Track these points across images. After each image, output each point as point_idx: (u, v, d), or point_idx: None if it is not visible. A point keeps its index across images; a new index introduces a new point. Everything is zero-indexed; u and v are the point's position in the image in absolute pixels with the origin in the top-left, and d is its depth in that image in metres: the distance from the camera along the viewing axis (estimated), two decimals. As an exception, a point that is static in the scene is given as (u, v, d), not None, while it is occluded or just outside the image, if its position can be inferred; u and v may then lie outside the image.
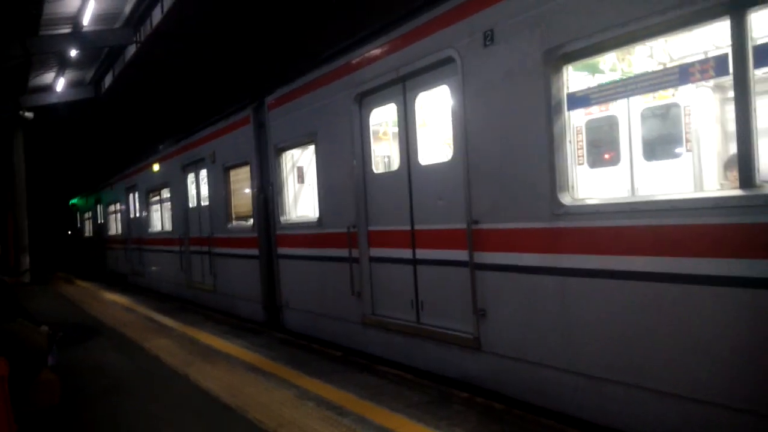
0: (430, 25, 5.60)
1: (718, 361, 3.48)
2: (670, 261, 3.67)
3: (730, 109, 5.96)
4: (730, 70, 3.43)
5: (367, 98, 6.66)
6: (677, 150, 6.37)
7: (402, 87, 6.11)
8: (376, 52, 6.42)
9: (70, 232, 32.61)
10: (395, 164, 6.57)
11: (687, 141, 6.29)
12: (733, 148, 5.98)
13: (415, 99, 6.01)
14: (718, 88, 6.01)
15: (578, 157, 6.65)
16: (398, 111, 6.24)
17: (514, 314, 4.83)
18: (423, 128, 6.26)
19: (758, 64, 3.31)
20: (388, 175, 6.61)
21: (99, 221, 23.50)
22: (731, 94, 5.53)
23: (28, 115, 20.80)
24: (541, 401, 4.67)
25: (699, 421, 3.62)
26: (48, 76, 21.44)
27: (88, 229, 26.46)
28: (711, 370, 3.51)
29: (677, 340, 3.67)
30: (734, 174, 4.54)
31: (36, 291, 16.62)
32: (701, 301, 3.54)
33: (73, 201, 30.28)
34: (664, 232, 3.70)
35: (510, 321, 4.89)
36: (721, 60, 3.57)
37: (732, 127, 6.08)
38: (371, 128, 6.78)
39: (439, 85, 5.70)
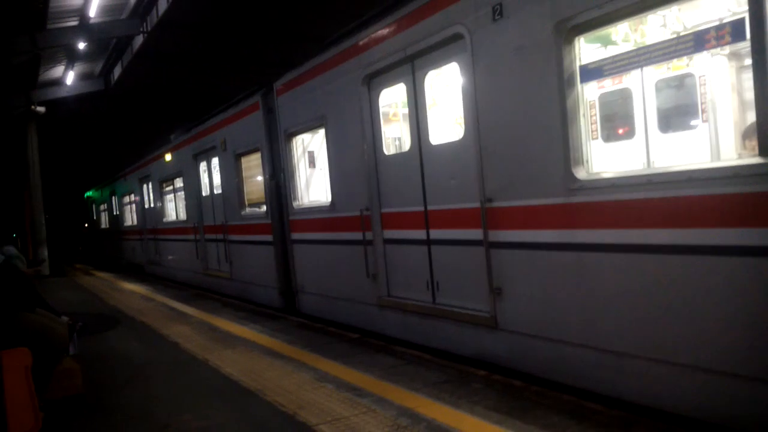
0: (438, 1, 5.52)
1: (739, 332, 3.44)
2: (689, 232, 3.61)
3: (747, 77, 5.86)
4: (747, 35, 3.34)
5: (376, 79, 6.61)
6: (693, 121, 6.26)
7: (411, 66, 6.05)
8: (383, 32, 6.35)
9: (86, 225, 32.96)
10: (406, 145, 6.53)
11: (703, 111, 6.18)
12: (751, 118, 5.87)
13: (424, 78, 5.95)
14: (734, 56, 5.88)
15: (592, 131, 6.56)
16: (407, 91, 6.19)
17: (531, 292, 4.81)
18: (433, 107, 6.21)
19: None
20: (399, 156, 6.57)
21: (114, 212, 23.72)
22: (748, 61, 5.41)
23: (40, 109, 20.93)
24: (560, 377, 4.66)
25: (719, 393, 3.58)
26: (57, 70, 21.51)
27: (104, 221, 26.73)
28: (732, 340, 3.47)
29: (697, 312, 3.63)
30: (753, 143, 4.46)
31: (55, 283, 16.84)
32: (721, 272, 3.49)
33: (88, 193, 30.56)
34: (681, 203, 3.64)
35: (526, 298, 4.87)
36: (737, 25, 3.48)
37: (749, 95, 5.97)
38: (381, 109, 6.73)
39: (448, 62, 5.64)
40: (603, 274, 4.21)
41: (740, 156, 5.50)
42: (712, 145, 6.04)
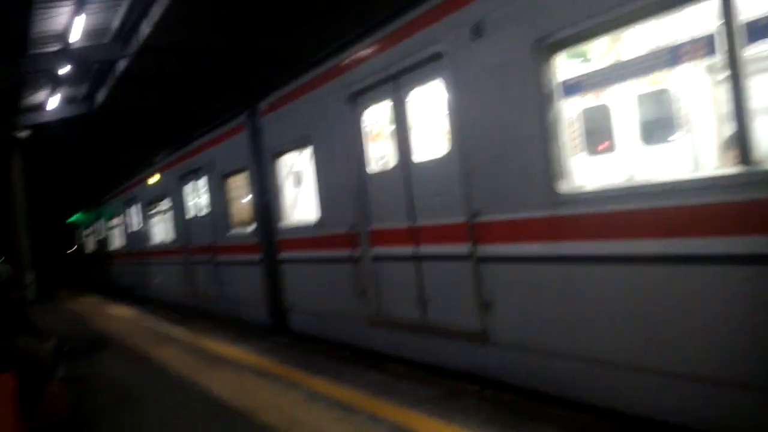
0: (418, 21, 5.62)
1: (723, 340, 3.49)
2: (672, 242, 3.68)
3: (725, 90, 6.00)
4: (718, 48, 3.44)
5: (360, 98, 6.68)
6: (674, 134, 6.39)
7: (394, 84, 6.12)
8: (366, 51, 6.44)
9: (73, 248, 32.63)
10: (392, 162, 6.58)
11: (683, 124, 6.31)
12: (729, 130, 6.00)
13: (407, 96, 6.03)
14: (711, 69, 6.02)
15: (575, 146, 6.66)
16: (391, 109, 6.26)
17: (520, 304, 4.85)
18: (417, 124, 6.27)
19: (749, 41, 3.32)
20: (385, 174, 6.62)
21: (101, 236, 23.52)
22: (723, 75, 5.55)
23: (23, 134, 20.80)
24: (551, 390, 4.68)
25: (709, 401, 3.63)
26: (41, 95, 21.45)
27: (92, 245, 26.48)
28: (717, 348, 3.53)
29: (683, 321, 3.68)
30: (732, 153, 4.56)
31: (42, 307, 16.62)
32: (706, 281, 3.55)
33: (74, 217, 30.29)
34: (664, 213, 3.71)
35: (516, 311, 4.90)
36: (709, 40, 3.59)
37: (727, 107, 6.11)
38: (366, 128, 6.79)
39: (431, 80, 5.72)
40: (588, 284, 4.26)
41: (720, 166, 5.62)
42: (694, 156, 6.16)
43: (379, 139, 7.61)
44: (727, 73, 3.40)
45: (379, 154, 7.53)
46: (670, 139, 6.39)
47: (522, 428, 4.14)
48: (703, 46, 3.65)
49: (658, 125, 6.50)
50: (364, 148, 6.75)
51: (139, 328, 10.78)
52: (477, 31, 4.89)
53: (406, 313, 6.27)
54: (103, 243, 23.13)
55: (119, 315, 13.48)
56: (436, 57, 5.43)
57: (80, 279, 28.70)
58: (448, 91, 5.37)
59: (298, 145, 8.15)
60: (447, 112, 5.45)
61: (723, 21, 3.37)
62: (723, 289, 3.47)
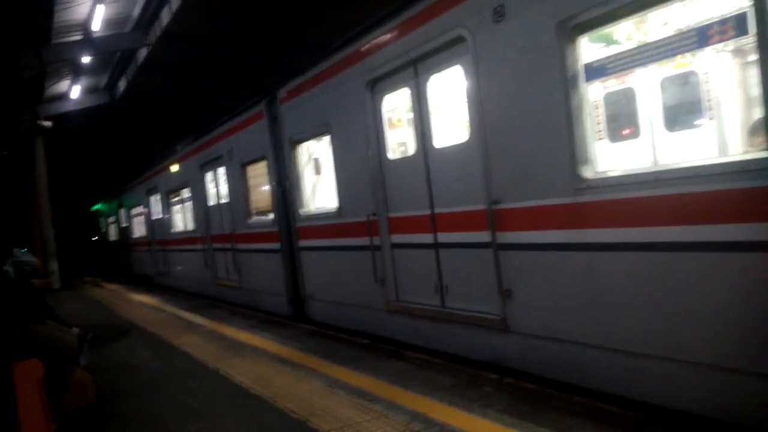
0: (439, 5, 5.54)
1: (753, 329, 3.41)
2: (698, 229, 3.59)
3: (753, 73, 5.83)
4: (751, 29, 3.33)
5: (379, 84, 6.62)
6: (699, 119, 6.24)
7: (414, 70, 6.06)
8: (386, 36, 6.37)
9: (95, 237, 33.11)
10: (411, 149, 6.53)
11: (708, 109, 6.16)
12: (757, 114, 5.83)
13: (427, 81, 5.96)
14: (739, 52, 5.86)
15: (598, 131, 6.54)
16: (411, 95, 6.20)
17: (541, 292, 4.79)
18: (437, 110, 6.21)
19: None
20: (404, 161, 6.58)
21: (122, 224, 23.82)
22: (752, 57, 5.38)
23: (47, 123, 21.07)
24: (572, 379, 4.63)
25: (737, 392, 3.55)
26: (63, 84, 21.66)
27: (113, 233, 26.84)
28: (746, 339, 3.44)
29: (709, 310, 3.60)
30: (760, 139, 4.44)
31: (65, 295, 16.92)
32: (732, 268, 3.46)
33: (97, 206, 30.71)
34: (689, 200, 3.62)
35: (537, 299, 4.85)
36: (740, 19, 3.47)
37: (755, 91, 5.94)
38: (385, 114, 6.74)
39: (451, 65, 5.64)
40: (612, 273, 4.19)
41: (747, 152, 5.47)
42: (719, 142, 6.01)
43: (399, 125, 7.55)
44: (758, 55, 3.29)
45: (399, 140, 7.48)
46: (695, 123, 6.24)
47: (542, 417, 4.11)
48: (734, 26, 3.53)
49: (684, 109, 6.34)
50: (384, 134, 6.71)
51: (161, 316, 10.91)
52: (500, 13, 4.80)
53: (425, 301, 6.25)
54: (124, 231, 23.43)
55: (141, 302, 13.66)
56: (458, 41, 5.35)
57: (103, 267, 29.14)
58: (470, 76, 5.29)
59: (317, 132, 8.13)
60: (468, 97, 5.37)
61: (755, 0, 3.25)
62: (753, 278, 3.37)
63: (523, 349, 5.06)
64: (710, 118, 6.15)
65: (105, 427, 4.93)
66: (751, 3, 3.27)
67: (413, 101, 6.18)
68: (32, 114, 20.76)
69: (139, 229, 20.89)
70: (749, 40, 3.39)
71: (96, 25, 16.23)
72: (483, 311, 5.45)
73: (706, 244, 3.57)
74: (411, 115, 6.45)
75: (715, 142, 6.01)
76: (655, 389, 4.01)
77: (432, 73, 5.91)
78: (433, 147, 5.96)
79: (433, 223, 6.02)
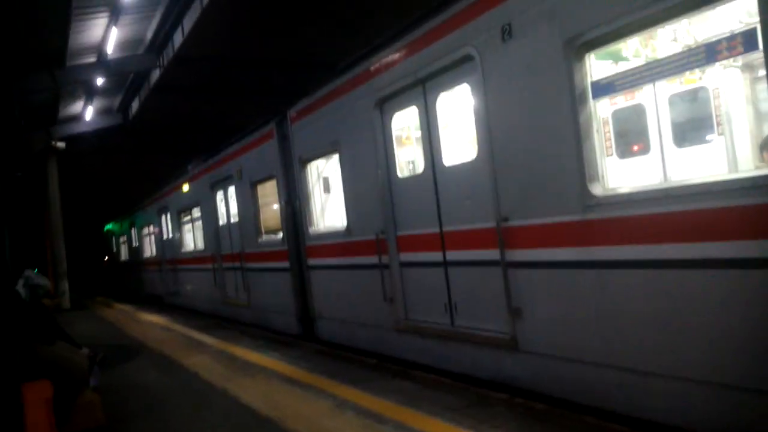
0: (446, 24, 5.57)
1: (763, 348, 3.34)
2: (709, 245, 3.54)
3: (762, 89, 5.81)
4: (760, 44, 3.31)
5: (388, 103, 6.65)
6: (709, 134, 6.21)
7: (422, 89, 6.08)
8: (394, 56, 6.41)
9: (106, 257, 33.30)
10: (420, 167, 6.53)
11: (718, 124, 6.13)
12: (767, 129, 5.80)
13: (436, 100, 5.98)
14: (747, 67, 5.85)
15: (607, 148, 6.52)
16: (420, 113, 6.21)
17: (551, 311, 4.74)
18: (446, 129, 6.22)
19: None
20: (413, 179, 6.58)
21: (134, 244, 23.95)
22: (761, 72, 5.36)
23: (60, 144, 21.35)
24: (583, 399, 4.55)
25: (750, 412, 3.47)
26: (77, 106, 22.00)
27: (124, 253, 26.98)
28: (761, 358, 3.38)
29: (723, 328, 3.54)
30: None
31: (76, 315, 16.96)
32: (746, 286, 3.40)
33: (108, 226, 30.93)
34: (701, 216, 3.58)
35: (547, 318, 4.79)
36: (749, 35, 3.46)
37: (765, 106, 5.91)
38: (394, 133, 6.76)
39: (459, 84, 5.67)
40: (623, 291, 4.13)
41: (758, 167, 5.43)
42: (729, 157, 5.97)
43: (408, 143, 7.58)
44: (767, 70, 3.27)
45: (407, 159, 7.50)
46: (705, 139, 6.22)
47: (553, 438, 4.04)
48: (742, 42, 3.51)
49: (693, 126, 6.33)
50: (393, 153, 6.72)
51: (170, 336, 10.90)
52: (507, 31, 4.82)
53: (435, 320, 6.20)
54: (135, 251, 23.55)
55: (151, 322, 13.67)
56: (466, 59, 5.37)
57: (114, 287, 29.25)
58: (477, 94, 5.30)
59: (327, 151, 8.16)
60: (476, 115, 5.38)
61: (763, 15, 3.24)
62: (761, 294, 3.32)
63: (533, 369, 4.99)
64: (720, 134, 6.12)
65: (112, 448, 4.90)
66: (763, 17, 3.26)
67: (421, 120, 6.20)
68: (46, 135, 21.05)
69: (149, 249, 20.99)
70: (758, 56, 3.37)
71: (110, 48, 16.50)
72: (493, 330, 5.39)
73: (718, 261, 3.51)
74: (419, 134, 6.47)
75: (724, 158, 5.98)
76: (665, 409, 3.93)
77: (440, 92, 5.92)
78: (442, 165, 5.95)
79: (442, 241, 5.99)
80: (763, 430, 3.41)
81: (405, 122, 7.23)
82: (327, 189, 8.99)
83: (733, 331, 3.47)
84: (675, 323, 3.79)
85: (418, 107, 6.22)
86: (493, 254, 5.24)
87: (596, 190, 4.26)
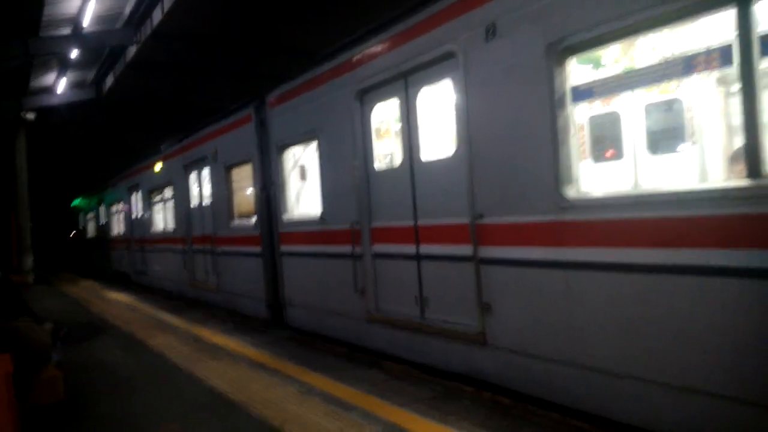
0: (432, 19, 5.59)
1: (724, 353, 3.47)
2: (676, 253, 3.65)
3: (735, 103, 5.97)
4: (735, 60, 3.42)
5: (369, 95, 6.65)
6: (682, 144, 6.36)
7: (404, 83, 6.10)
8: (377, 48, 6.41)
9: (73, 233, 32.68)
10: (398, 160, 6.57)
11: (691, 135, 6.28)
12: (738, 142, 5.96)
13: (417, 95, 6.00)
14: (722, 81, 5.99)
15: (582, 152, 6.64)
16: (400, 107, 6.23)
17: (520, 308, 4.83)
18: (425, 124, 6.25)
19: (765, 53, 3.30)
20: (390, 172, 6.60)
21: (102, 221, 23.54)
22: (735, 87, 5.50)
23: (30, 116, 20.82)
24: (548, 395, 4.66)
25: (708, 415, 3.60)
26: (49, 78, 21.41)
27: (92, 229, 26.51)
28: (718, 361, 3.50)
29: (684, 333, 3.65)
30: (740, 166, 4.53)
31: (40, 290, 16.65)
32: (708, 293, 3.52)
33: (76, 202, 30.34)
34: (669, 223, 3.69)
35: (515, 315, 4.88)
36: (725, 51, 3.56)
37: (737, 120, 6.07)
38: (373, 125, 6.77)
39: (441, 80, 5.70)
40: (590, 292, 4.24)
41: (728, 179, 5.59)
42: (701, 168, 6.13)
43: (387, 136, 7.59)
44: (741, 84, 3.38)
45: (385, 151, 7.52)
46: (678, 149, 6.37)
47: (516, 432, 4.13)
48: (719, 56, 3.62)
49: (667, 135, 6.47)
50: (371, 145, 6.73)
51: (137, 315, 10.78)
52: (491, 31, 4.87)
53: (405, 311, 6.26)
54: (103, 228, 23.16)
55: (117, 301, 13.49)
56: (448, 56, 5.40)
57: (80, 263, 28.74)
58: (458, 91, 5.34)
59: (305, 138, 8.14)
60: (456, 112, 5.42)
61: (739, 32, 3.34)
62: (723, 301, 3.44)
63: (500, 364, 5.09)
64: (693, 144, 6.28)
65: (73, 425, 4.85)
66: (738, 33, 3.37)
67: (402, 113, 6.22)
68: (16, 106, 20.49)
69: (118, 227, 20.67)
70: (734, 70, 3.47)
71: (86, 21, 16.11)
72: (462, 324, 5.47)
73: (683, 267, 3.63)
74: (399, 127, 6.49)
75: (696, 168, 6.13)
76: (628, 409, 4.05)
77: (422, 87, 5.95)
78: (420, 159, 5.99)
79: (416, 234, 6.04)
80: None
81: (385, 115, 7.24)
82: (303, 176, 8.96)
83: (695, 336, 3.59)
84: (638, 325, 3.91)
85: (399, 101, 6.24)
86: (466, 250, 5.31)
87: (569, 192, 4.34)
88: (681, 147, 6.34)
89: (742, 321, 3.38)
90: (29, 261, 20.22)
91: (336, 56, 7.25)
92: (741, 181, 3.48)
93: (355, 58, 6.81)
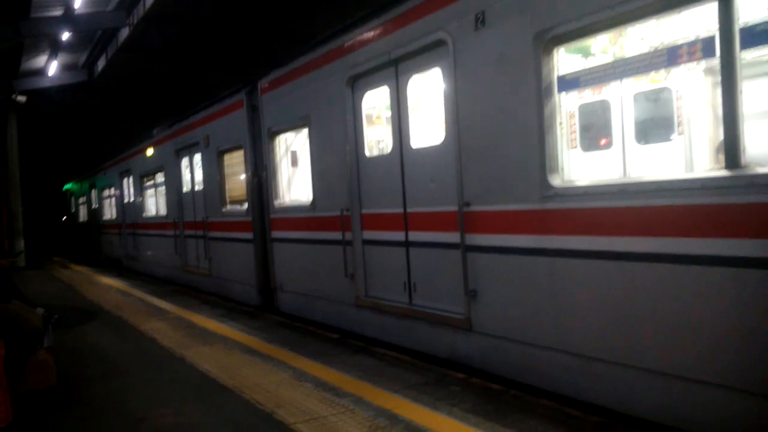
0: (422, 8, 5.60)
1: (704, 339, 3.55)
2: (659, 241, 3.72)
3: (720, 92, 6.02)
4: (717, 52, 3.46)
5: (360, 81, 6.67)
6: (669, 134, 6.41)
7: (394, 70, 6.12)
8: (369, 34, 6.41)
9: (64, 217, 32.57)
10: (388, 147, 6.60)
11: (679, 125, 6.34)
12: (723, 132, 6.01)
13: (407, 82, 6.02)
14: (710, 71, 6.04)
15: (571, 140, 6.68)
16: (391, 94, 6.25)
17: (505, 295, 4.90)
18: (416, 111, 6.28)
19: (744, 46, 3.35)
20: (380, 159, 6.64)
21: (93, 206, 23.47)
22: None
23: (21, 98, 20.66)
24: (532, 381, 4.74)
25: (688, 400, 3.69)
26: (40, 60, 21.24)
27: (83, 214, 26.42)
28: (698, 348, 3.58)
29: (665, 319, 3.73)
30: (722, 157, 4.59)
31: (31, 275, 16.63)
32: (688, 280, 3.60)
33: (68, 186, 30.20)
34: (652, 212, 3.75)
35: (501, 301, 4.96)
36: (708, 42, 3.60)
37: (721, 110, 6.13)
38: (364, 111, 6.79)
39: (431, 67, 5.72)
40: (574, 279, 4.31)
41: (712, 169, 5.65)
42: (687, 157, 6.19)
43: (378, 123, 7.61)
44: (722, 76, 3.42)
45: (376, 138, 7.54)
46: (665, 138, 6.42)
47: (506, 418, 4.18)
48: (703, 47, 3.66)
49: (654, 124, 6.52)
50: (362, 131, 6.76)
51: (128, 300, 10.82)
52: (481, 20, 4.89)
53: (394, 297, 6.32)
54: (95, 213, 23.09)
55: (109, 285, 13.51)
56: (438, 44, 5.42)
57: (72, 247, 28.68)
58: (448, 79, 5.37)
59: (296, 125, 8.15)
60: (445, 100, 5.45)
61: (721, 24, 3.38)
62: (702, 289, 3.52)
63: (486, 350, 5.17)
64: (680, 134, 6.33)
65: (65, 409, 4.90)
66: (719, 25, 3.41)
67: (392, 100, 6.24)
68: (6, 88, 20.32)
69: (110, 211, 20.62)
70: (718, 61, 3.52)
71: (78, 2, 15.95)
72: (449, 310, 5.54)
73: (665, 255, 3.69)
74: (389, 114, 6.51)
75: (682, 158, 6.19)
76: (612, 394, 4.14)
77: (412, 74, 5.97)
78: (410, 147, 6.03)
79: (405, 221, 6.09)
80: (701, 418, 3.62)
81: (376, 102, 7.26)
82: (295, 162, 8.98)
83: (678, 322, 3.66)
84: (621, 312, 3.98)
85: (389, 88, 6.25)
86: (453, 237, 5.36)
87: (555, 181, 4.40)
88: (669, 136, 6.40)
89: (719, 308, 3.45)
90: (20, 245, 20.15)
91: (328, 42, 7.24)
92: (720, 172, 3.54)
93: (346, 44, 6.81)
